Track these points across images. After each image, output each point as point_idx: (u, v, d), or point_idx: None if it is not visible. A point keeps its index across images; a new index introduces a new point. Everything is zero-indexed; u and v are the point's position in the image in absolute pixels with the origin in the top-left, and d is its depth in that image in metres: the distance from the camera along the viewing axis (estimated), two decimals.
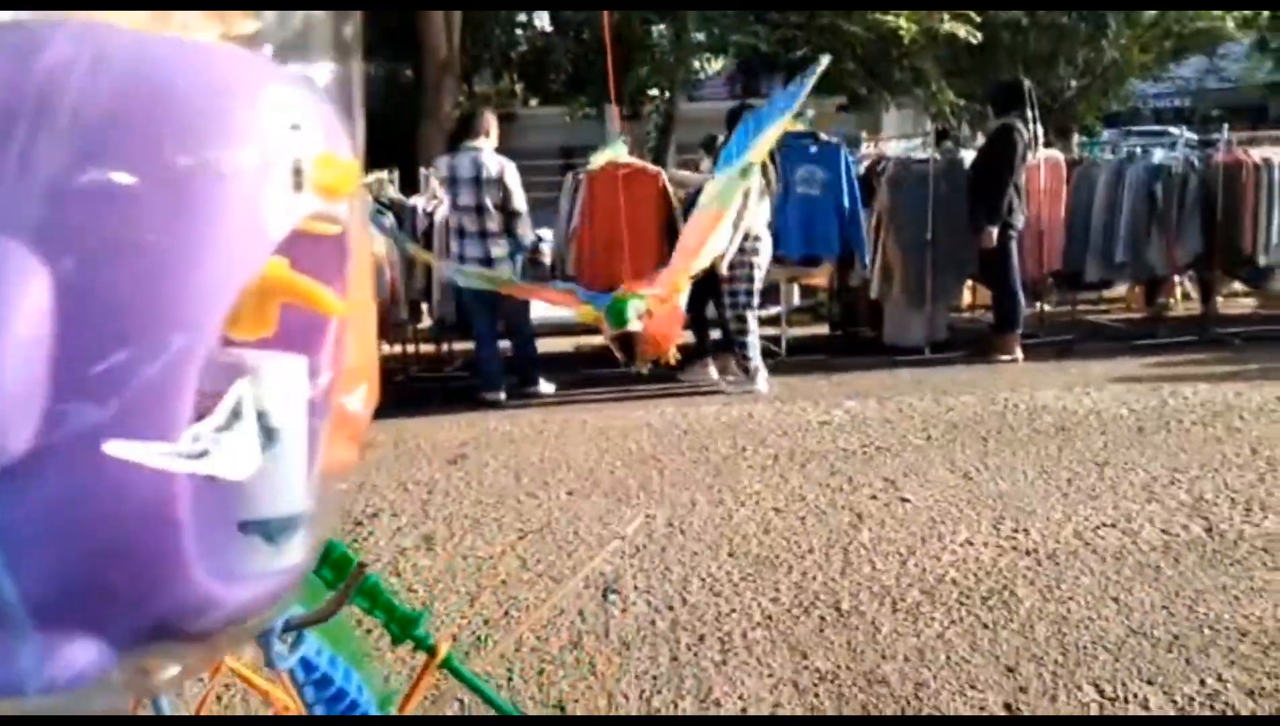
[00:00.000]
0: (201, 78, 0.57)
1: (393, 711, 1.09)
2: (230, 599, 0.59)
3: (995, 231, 6.14)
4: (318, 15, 0.73)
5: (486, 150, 5.55)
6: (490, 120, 5.68)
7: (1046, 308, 7.37)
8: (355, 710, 0.91)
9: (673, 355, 3.03)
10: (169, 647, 0.60)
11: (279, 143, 0.58)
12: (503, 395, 5.71)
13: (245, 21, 0.65)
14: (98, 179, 0.51)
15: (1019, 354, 6.32)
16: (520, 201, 5.60)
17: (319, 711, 0.89)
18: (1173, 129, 12.96)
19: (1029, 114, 6.22)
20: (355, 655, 1.04)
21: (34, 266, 0.49)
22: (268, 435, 0.60)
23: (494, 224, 5.48)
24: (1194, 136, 7.22)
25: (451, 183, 5.56)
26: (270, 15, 0.68)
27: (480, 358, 5.87)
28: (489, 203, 5.47)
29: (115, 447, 0.50)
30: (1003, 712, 2.32)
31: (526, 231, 5.68)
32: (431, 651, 1.22)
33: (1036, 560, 3.16)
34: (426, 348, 6.89)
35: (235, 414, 0.58)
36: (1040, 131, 6.38)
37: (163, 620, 0.56)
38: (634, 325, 2.78)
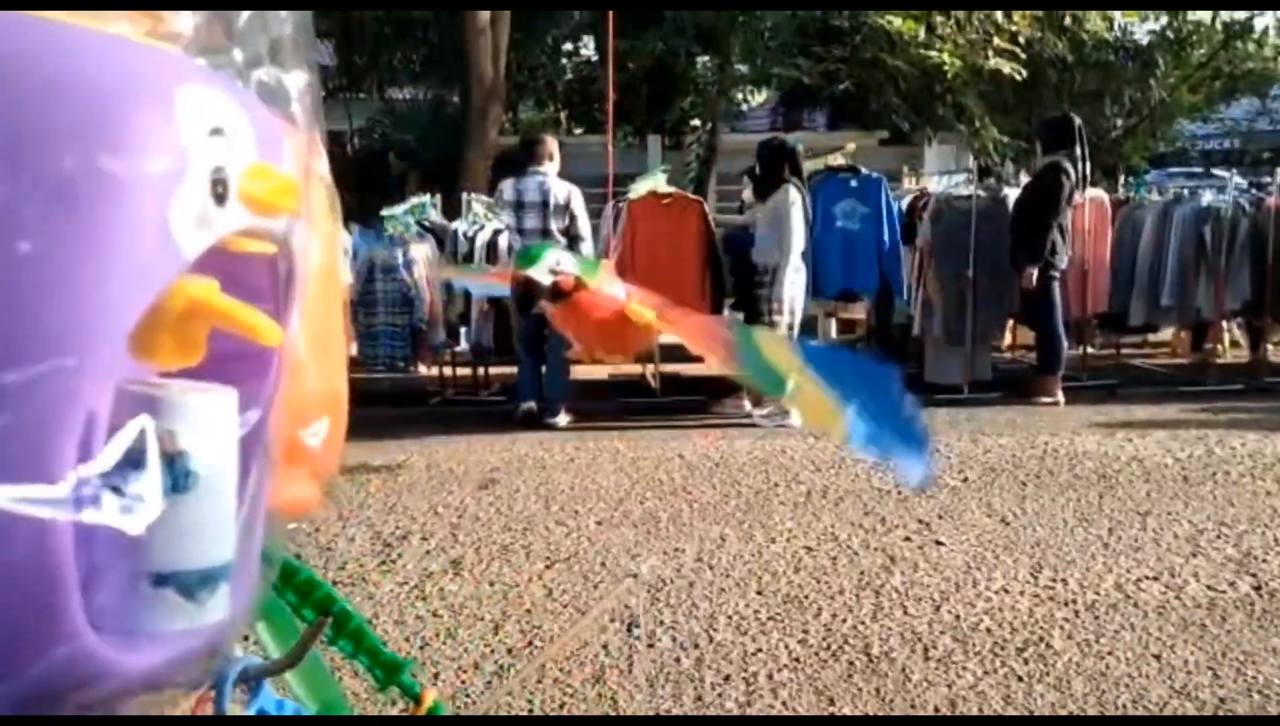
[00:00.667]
0: (101, 72, 0.49)
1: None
2: (137, 664, 0.51)
3: (1035, 272, 6.05)
4: (286, 19, 0.63)
5: (552, 175, 5.63)
6: (554, 146, 5.76)
7: (1089, 350, 7.23)
8: None
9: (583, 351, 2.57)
10: (67, 713, 0.52)
11: (195, 149, 0.51)
12: (564, 419, 5.74)
13: (180, 19, 0.57)
14: None
15: (1060, 397, 6.20)
16: (586, 227, 5.67)
17: None
18: (1218, 171, 12.74)
19: (1078, 151, 6.14)
20: (332, 703, 0.99)
21: None
22: (186, 478, 0.52)
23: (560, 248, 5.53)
24: (1241, 181, 7.05)
25: (517, 207, 5.62)
26: (224, 16, 0.59)
27: (521, 381, 5.92)
28: (555, 228, 5.52)
29: None
30: None
31: (591, 254, 5.74)
32: (418, 699, 1.17)
33: (1075, 611, 3.07)
34: (463, 371, 6.93)
35: (134, 453, 0.50)
36: (1089, 169, 6.29)
37: (46, 690, 0.48)
38: (541, 275, 2.53)
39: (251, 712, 0.73)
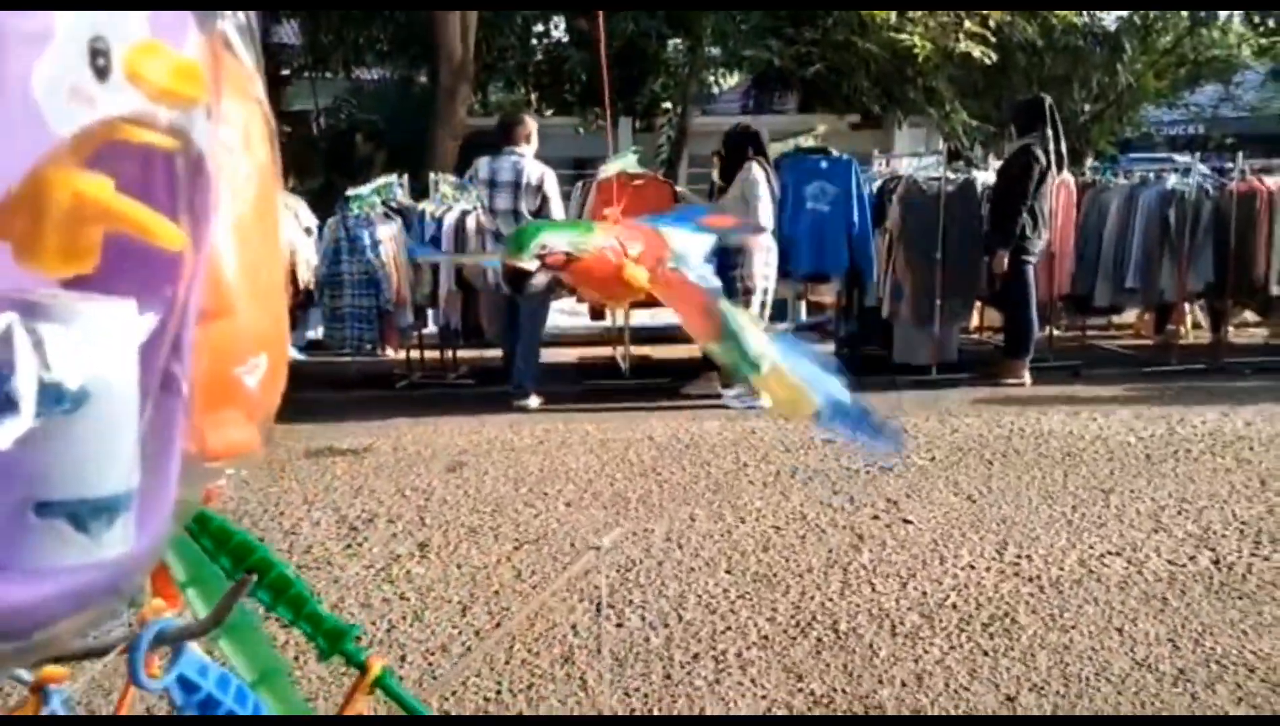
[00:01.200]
0: None
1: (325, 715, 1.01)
2: (19, 597, 0.47)
3: (1006, 256, 6.09)
4: None
5: (528, 156, 5.58)
6: (532, 127, 5.70)
7: (1055, 332, 7.30)
8: None
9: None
10: None
11: (64, 10, 0.46)
12: (534, 402, 5.71)
13: None
14: None
15: (1027, 379, 6.26)
16: (558, 209, 5.63)
17: None
18: (1176, 156, 12.88)
19: (1050, 132, 6.15)
20: (269, 670, 0.95)
21: None
22: (75, 395, 0.48)
23: None
24: (1203, 167, 7.12)
25: (490, 186, 5.56)
26: None
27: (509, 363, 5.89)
28: (525, 209, 5.48)
29: None
30: None
31: None
32: (363, 668, 1.14)
33: (1039, 587, 3.11)
34: (431, 354, 6.86)
35: (2, 356, 0.46)
36: (1064, 150, 6.30)
37: None
38: (527, 262, 2.51)
39: (171, 678, 0.71)
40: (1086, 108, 14.38)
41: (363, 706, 1.12)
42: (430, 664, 2.65)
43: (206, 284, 0.59)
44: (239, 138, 0.70)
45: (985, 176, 7.39)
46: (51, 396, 0.47)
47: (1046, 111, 6.20)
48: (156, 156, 0.54)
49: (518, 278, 2.75)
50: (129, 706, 1.18)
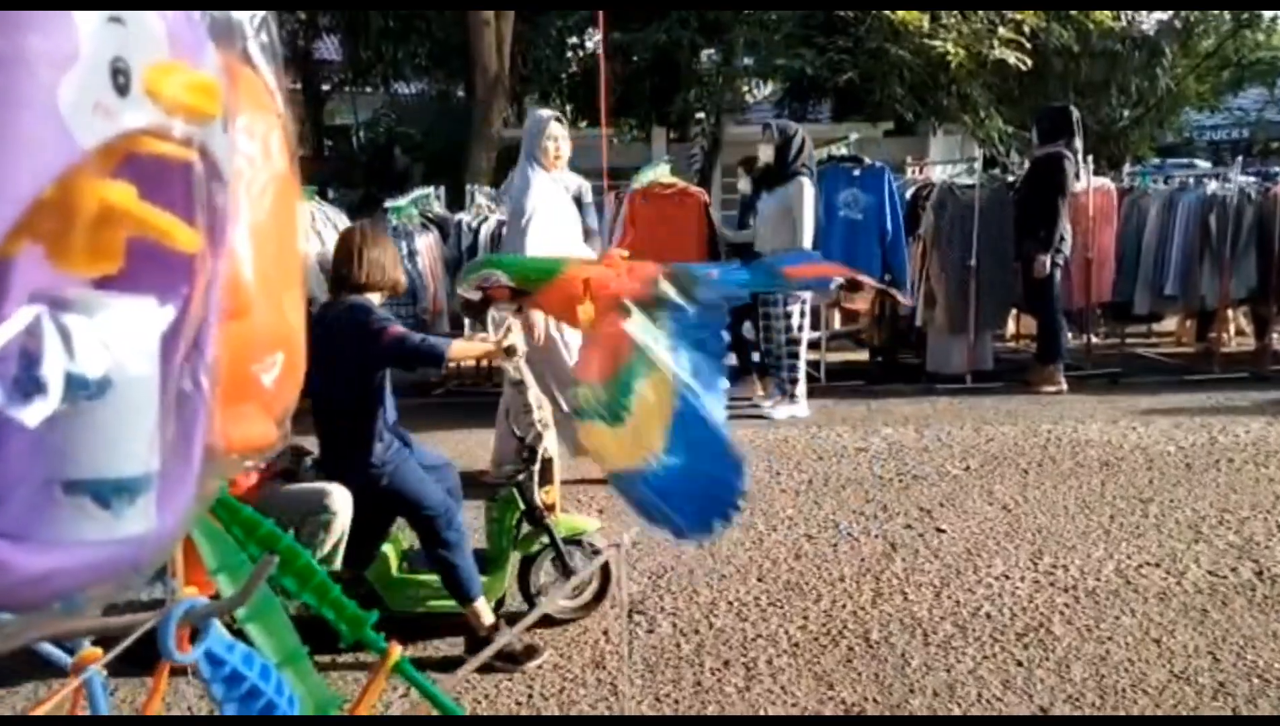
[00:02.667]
0: None
1: (337, 713, 1.05)
2: (41, 568, 0.51)
3: (1047, 259, 6.02)
4: None
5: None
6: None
7: (1094, 340, 7.21)
8: (273, 710, 0.83)
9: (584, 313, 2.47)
10: None
11: (89, 32, 0.50)
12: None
13: None
14: None
15: (1063, 385, 6.18)
16: (594, 220, 5.66)
17: (230, 710, 0.81)
18: (1199, 162, 12.61)
19: (1076, 143, 6.10)
20: (292, 655, 1.00)
21: None
22: (100, 385, 0.53)
23: None
24: (1243, 177, 6.98)
25: None
26: None
27: None
28: None
29: None
30: None
31: (598, 248, 5.73)
32: (384, 653, 1.19)
33: (1075, 597, 3.07)
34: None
35: (30, 343, 0.50)
36: (1089, 160, 6.26)
37: None
38: (469, 292, 2.54)
39: (199, 652, 0.74)
40: (1125, 113, 14.18)
41: (380, 686, 1.16)
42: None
43: (225, 285, 0.63)
44: (258, 149, 0.75)
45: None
46: (77, 383, 0.52)
47: (1073, 121, 6.12)
48: (174, 167, 0.58)
49: (468, 308, 2.79)
50: (164, 684, 1.22)
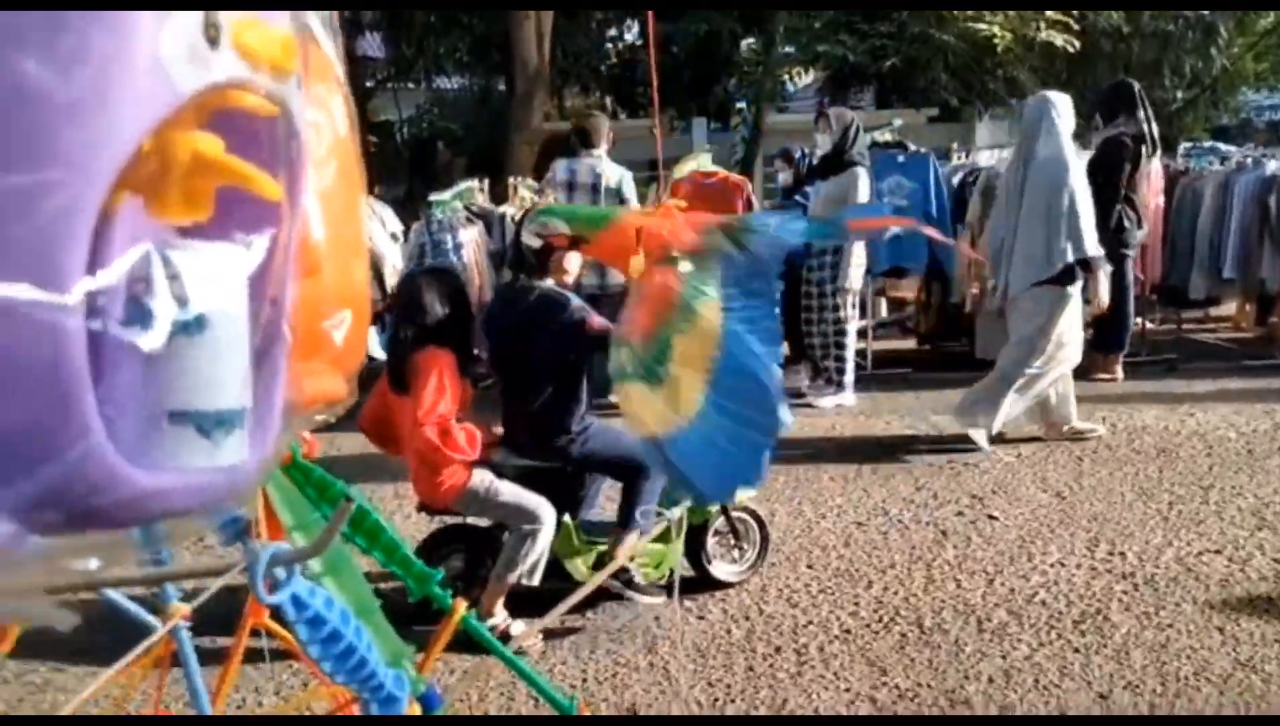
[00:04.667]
0: None
1: (407, 665, 1.08)
2: (151, 486, 0.56)
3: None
4: None
5: (605, 159, 5.64)
6: (607, 129, 5.76)
7: (1149, 325, 7.05)
8: (352, 655, 0.88)
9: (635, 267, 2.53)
10: (84, 529, 0.57)
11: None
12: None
13: None
14: None
15: (1120, 374, 6.05)
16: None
17: (313, 651, 0.86)
18: (1222, 145, 12.15)
19: (1140, 115, 5.85)
20: (366, 608, 1.04)
21: None
22: (197, 322, 0.58)
23: None
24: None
25: (569, 188, 5.65)
26: None
27: None
28: None
29: None
30: None
31: None
32: (450, 609, 1.23)
33: (1134, 584, 3.02)
34: None
35: (142, 279, 0.55)
36: (1155, 133, 5.98)
37: (66, 490, 0.52)
38: (528, 238, 2.65)
39: (285, 594, 0.78)
40: (1178, 95, 13.82)
41: (447, 639, 1.20)
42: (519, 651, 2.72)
43: (298, 246, 0.67)
44: (323, 117, 0.78)
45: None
46: (181, 320, 0.57)
47: (1134, 95, 5.93)
48: (258, 120, 0.62)
49: (531, 255, 2.86)
50: (246, 633, 1.27)
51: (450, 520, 2.97)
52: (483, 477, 2.73)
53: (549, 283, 2.87)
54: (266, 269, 0.65)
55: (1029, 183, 4.63)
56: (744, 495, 3.08)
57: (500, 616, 2.76)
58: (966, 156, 8.10)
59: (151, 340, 0.55)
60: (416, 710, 1.01)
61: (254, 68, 0.59)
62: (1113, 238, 5.81)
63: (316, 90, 0.76)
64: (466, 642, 2.63)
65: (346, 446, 4.92)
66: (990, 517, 3.65)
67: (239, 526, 1.15)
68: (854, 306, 5.62)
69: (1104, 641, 2.66)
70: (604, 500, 3.18)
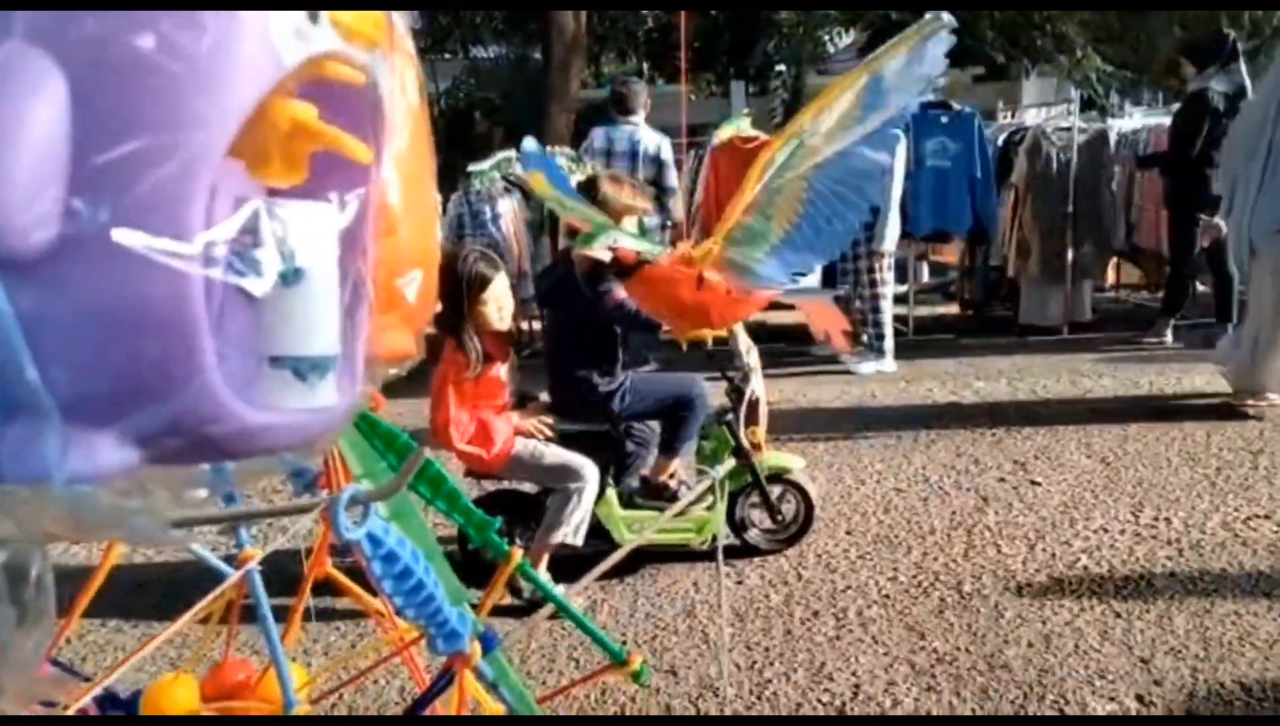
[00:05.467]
0: None
1: (466, 609, 1.13)
2: (256, 422, 0.61)
3: (1211, 222, 5.54)
4: None
5: (643, 126, 5.63)
6: (645, 95, 5.74)
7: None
8: (421, 590, 0.93)
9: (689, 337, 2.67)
10: (200, 459, 0.62)
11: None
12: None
13: None
14: None
15: (1168, 337, 5.92)
16: (673, 178, 5.68)
17: (386, 585, 0.91)
18: None
19: (1235, 68, 5.58)
20: (430, 552, 1.09)
21: (51, 71, 0.52)
22: (295, 273, 0.63)
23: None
24: None
25: (607, 156, 5.65)
26: None
27: None
28: (642, 178, 5.55)
29: (123, 235, 0.53)
30: (1134, 705, 2.21)
31: (678, 207, 5.75)
32: (507, 556, 1.29)
33: (1179, 550, 2.99)
34: None
35: (251, 232, 0.60)
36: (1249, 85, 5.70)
37: (182, 421, 0.58)
38: (600, 252, 2.67)
39: (362, 532, 0.83)
40: (1239, 47, 13.30)
41: (502, 583, 1.25)
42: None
43: (377, 209, 0.72)
44: (398, 84, 0.82)
45: (1122, 124, 7.01)
46: (281, 272, 0.62)
47: (1226, 47, 5.61)
48: (350, 89, 0.67)
49: (594, 272, 2.89)
50: (309, 585, 1.34)
51: (494, 486, 3.03)
52: (526, 443, 2.79)
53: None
54: (357, 226, 0.70)
55: None
56: (791, 464, 3.11)
57: (543, 577, 2.81)
58: (1013, 116, 7.93)
59: (260, 287, 0.60)
60: (477, 647, 1.06)
61: (348, 40, 0.64)
62: (1190, 198, 5.56)
63: (394, 61, 0.80)
64: (509, 607, 2.70)
65: (385, 417, 5.01)
66: (1033, 483, 3.62)
67: (308, 477, 1.22)
68: (890, 271, 5.56)
69: (1146, 607, 2.64)
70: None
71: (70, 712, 0.84)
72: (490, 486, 3.06)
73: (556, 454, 2.81)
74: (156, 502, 0.62)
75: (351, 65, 0.65)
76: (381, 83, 0.69)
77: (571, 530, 2.78)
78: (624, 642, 2.59)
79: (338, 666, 2.17)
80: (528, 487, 3.02)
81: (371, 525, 0.85)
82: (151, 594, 2.96)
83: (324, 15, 0.61)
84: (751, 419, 3.02)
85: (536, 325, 6.94)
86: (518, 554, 1.29)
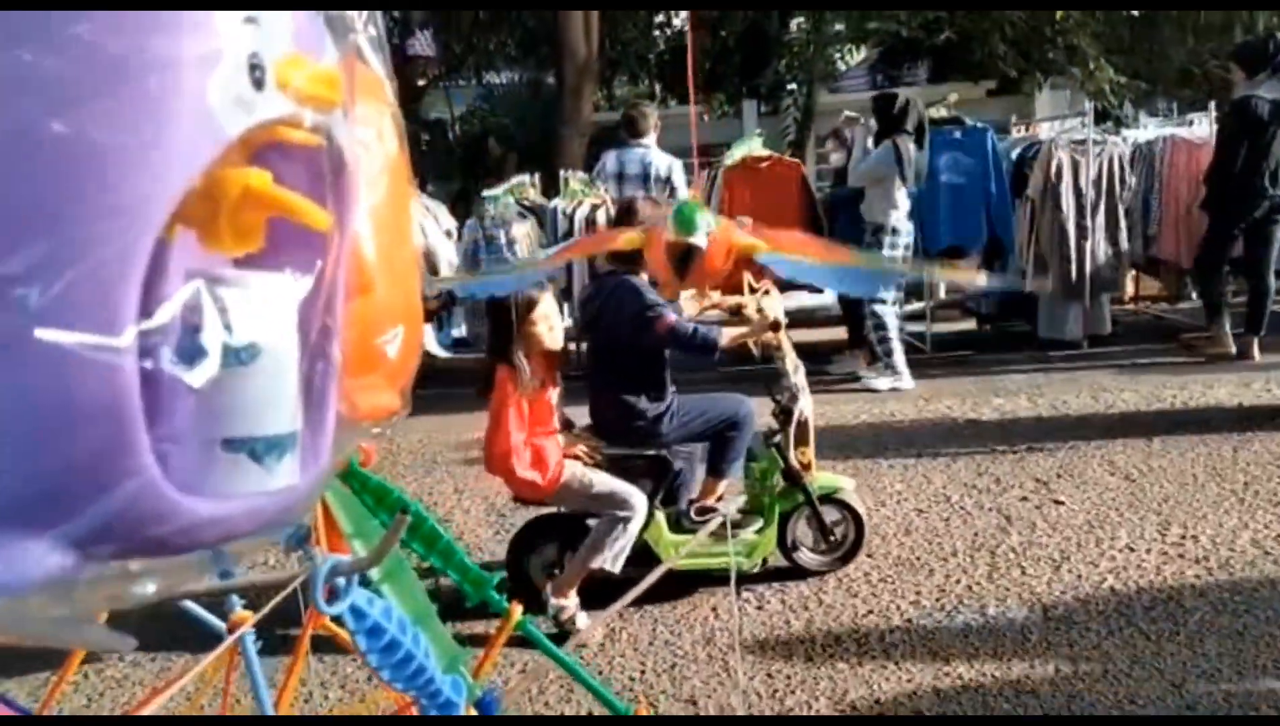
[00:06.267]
0: None
1: (463, 670, 1.09)
2: (205, 514, 0.58)
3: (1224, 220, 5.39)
4: None
5: (654, 148, 5.65)
6: (655, 118, 5.76)
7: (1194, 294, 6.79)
8: (410, 663, 0.89)
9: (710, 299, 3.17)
10: (144, 557, 0.59)
11: (229, 34, 0.56)
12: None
13: None
14: (8, 61, 0.50)
15: (1255, 356, 5.56)
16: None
17: (373, 660, 0.88)
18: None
19: None
20: (423, 614, 1.06)
21: None
22: (249, 350, 0.59)
23: None
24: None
25: (619, 179, 5.67)
26: None
27: None
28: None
29: (46, 333, 0.49)
30: None
31: None
32: (506, 613, 1.25)
33: (1207, 569, 2.93)
34: (571, 346, 7.02)
35: (192, 313, 0.57)
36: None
37: (121, 522, 0.54)
38: (699, 238, 2.72)
39: (345, 605, 0.80)
40: None
41: (502, 643, 1.22)
42: (578, 642, 2.75)
43: (349, 264, 0.69)
44: (373, 136, 0.80)
45: (1136, 135, 6.96)
46: (231, 350, 0.59)
47: (1269, 52, 5.49)
48: (305, 153, 0.64)
49: (687, 257, 2.91)
50: (307, 637, 1.31)
51: (542, 510, 3.01)
52: (574, 470, 2.79)
53: (640, 275, 2.95)
54: (315, 296, 0.67)
55: None
56: (842, 484, 3.13)
57: (572, 601, 2.81)
58: (1027, 130, 7.89)
59: (201, 375, 0.57)
60: (474, 714, 1.03)
61: (299, 103, 0.61)
62: (1232, 208, 5.38)
63: (366, 109, 0.78)
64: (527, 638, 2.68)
65: (405, 445, 5.02)
66: (1056, 502, 3.56)
67: (300, 534, 1.19)
68: (891, 290, 5.52)
69: (1176, 629, 2.59)
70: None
71: None
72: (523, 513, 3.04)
73: (605, 482, 2.80)
74: (89, 604, 0.59)
75: (306, 129, 0.62)
76: (344, 143, 0.66)
77: (611, 558, 2.77)
78: (643, 671, 2.57)
79: (358, 706, 2.15)
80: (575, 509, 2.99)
81: (355, 597, 0.83)
82: (166, 621, 2.95)
83: (270, 80, 0.58)
84: (801, 439, 3.01)
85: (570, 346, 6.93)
86: (517, 610, 1.26)
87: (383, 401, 0.85)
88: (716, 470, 3.10)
